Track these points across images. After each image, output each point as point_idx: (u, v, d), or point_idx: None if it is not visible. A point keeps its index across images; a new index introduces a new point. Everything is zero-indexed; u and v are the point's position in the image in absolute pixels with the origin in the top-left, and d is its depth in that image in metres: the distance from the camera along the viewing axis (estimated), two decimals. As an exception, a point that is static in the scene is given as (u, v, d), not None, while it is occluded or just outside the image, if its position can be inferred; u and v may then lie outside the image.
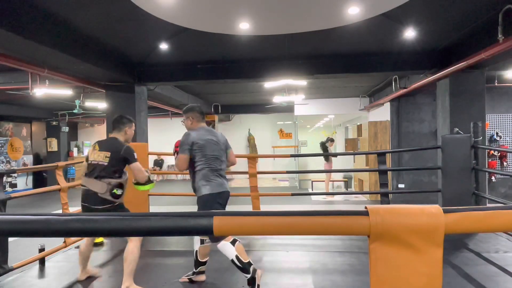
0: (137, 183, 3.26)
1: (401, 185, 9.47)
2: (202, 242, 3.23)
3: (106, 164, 3.06)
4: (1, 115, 12.25)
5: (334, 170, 9.65)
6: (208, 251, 3.30)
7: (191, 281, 3.37)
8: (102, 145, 3.19)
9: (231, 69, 6.80)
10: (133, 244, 3.12)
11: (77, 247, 4.52)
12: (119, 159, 3.10)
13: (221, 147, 3.28)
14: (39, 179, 13.60)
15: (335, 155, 11.37)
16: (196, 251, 3.28)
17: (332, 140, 11.19)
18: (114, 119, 3.36)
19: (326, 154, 10.24)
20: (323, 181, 10.64)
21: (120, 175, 3.12)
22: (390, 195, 6.01)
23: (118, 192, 3.07)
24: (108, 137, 3.39)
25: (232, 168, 15.92)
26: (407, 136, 9.52)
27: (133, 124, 3.43)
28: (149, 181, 3.25)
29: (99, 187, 3.03)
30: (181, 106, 11.31)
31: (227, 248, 3.01)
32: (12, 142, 12.86)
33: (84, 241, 3.44)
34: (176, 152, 3.23)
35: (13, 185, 12.59)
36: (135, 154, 3.16)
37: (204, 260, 3.31)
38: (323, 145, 10.80)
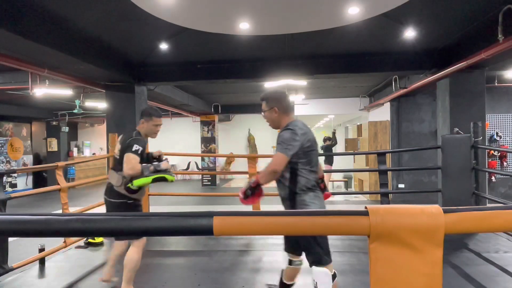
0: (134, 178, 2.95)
1: (401, 185, 9.47)
2: (290, 263, 2.72)
3: (118, 157, 3.02)
4: (1, 115, 12.25)
5: (334, 170, 9.65)
6: (297, 273, 2.76)
7: None
8: (120, 137, 3.12)
9: (231, 69, 6.80)
10: (134, 250, 2.99)
11: (78, 247, 4.52)
12: (124, 151, 2.96)
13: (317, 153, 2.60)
14: (39, 179, 13.61)
15: (335, 154, 11.36)
16: (282, 270, 2.81)
17: (329, 139, 11.19)
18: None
19: (326, 154, 10.25)
20: (323, 181, 10.61)
21: None
22: (390, 195, 6.01)
23: (133, 187, 2.93)
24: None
25: (232, 168, 15.97)
26: (407, 136, 9.52)
27: (153, 118, 3.09)
28: (144, 174, 2.91)
29: (115, 179, 3.00)
30: (181, 106, 11.32)
31: (325, 279, 2.37)
32: (12, 142, 12.86)
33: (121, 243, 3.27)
34: (248, 187, 2.48)
35: (13, 185, 12.58)
36: (135, 145, 2.89)
37: (289, 283, 2.79)
38: (327, 148, 10.83)
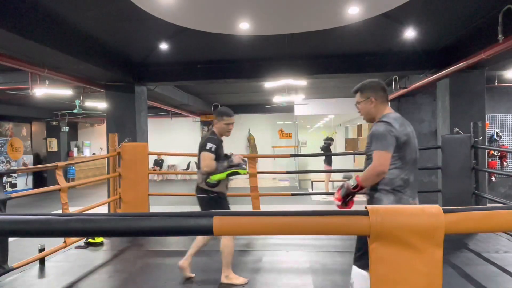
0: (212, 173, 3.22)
1: (401, 185, 9.45)
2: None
3: (198, 157, 3.30)
4: (1, 115, 12.25)
5: (334, 170, 9.64)
6: None
7: None
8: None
9: (231, 69, 6.80)
10: (227, 238, 3.23)
11: (78, 247, 4.52)
12: (200, 150, 3.26)
13: (417, 148, 2.33)
14: (39, 179, 13.61)
15: (334, 154, 11.37)
16: None
17: (331, 139, 11.22)
18: None
19: (327, 154, 10.25)
20: (323, 181, 10.64)
21: None
22: (390, 195, 5.99)
23: (211, 181, 3.18)
24: None
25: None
26: (407, 136, 9.51)
27: (224, 117, 3.35)
28: (218, 170, 3.17)
29: (199, 177, 3.29)
30: (181, 106, 11.32)
31: (363, 282, 2.24)
32: (12, 142, 12.86)
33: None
34: (346, 191, 2.32)
35: (13, 185, 12.58)
36: (208, 144, 3.19)
37: None
38: (327, 148, 10.84)
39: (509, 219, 1.09)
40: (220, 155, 3.26)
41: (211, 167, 3.14)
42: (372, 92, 2.34)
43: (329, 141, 10.96)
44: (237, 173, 3.21)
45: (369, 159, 2.26)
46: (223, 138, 3.46)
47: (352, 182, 2.29)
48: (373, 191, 2.26)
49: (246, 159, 3.41)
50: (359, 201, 8.58)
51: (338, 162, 11.37)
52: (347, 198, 2.33)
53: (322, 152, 10.64)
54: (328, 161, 10.53)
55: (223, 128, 3.36)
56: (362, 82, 2.46)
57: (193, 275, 3.50)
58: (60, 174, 4.23)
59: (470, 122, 5.30)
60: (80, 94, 8.21)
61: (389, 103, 2.39)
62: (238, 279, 3.29)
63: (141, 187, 5.33)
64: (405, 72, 7.15)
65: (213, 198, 3.23)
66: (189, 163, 16.32)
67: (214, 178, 3.16)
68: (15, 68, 5.46)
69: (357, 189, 2.26)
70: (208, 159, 3.16)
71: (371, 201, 2.29)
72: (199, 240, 3.45)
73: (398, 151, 2.18)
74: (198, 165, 3.32)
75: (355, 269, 2.31)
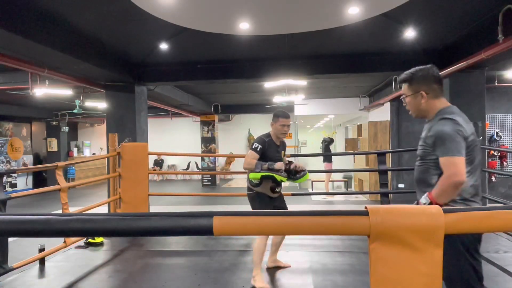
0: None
1: (401, 185, 9.47)
2: None
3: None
4: (1, 115, 12.25)
5: (334, 170, 9.65)
6: None
7: None
8: None
9: (231, 69, 6.80)
10: (259, 237, 3.30)
11: (78, 247, 4.52)
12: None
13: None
14: (39, 179, 13.61)
15: (334, 154, 11.38)
16: None
17: (332, 140, 11.25)
18: None
19: (327, 154, 10.25)
20: (323, 181, 10.64)
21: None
22: (390, 195, 6.00)
23: (253, 180, 3.26)
24: None
25: (232, 168, 15.97)
26: (407, 136, 9.52)
27: (279, 118, 3.35)
28: (255, 170, 3.20)
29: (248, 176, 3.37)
30: (181, 106, 11.32)
31: None
32: (12, 142, 12.86)
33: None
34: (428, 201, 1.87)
35: (13, 185, 12.59)
36: (255, 144, 3.26)
37: None
38: (327, 147, 10.84)
39: (509, 219, 1.09)
40: (268, 157, 3.28)
41: (250, 165, 3.21)
42: (424, 84, 1.95)
43: (326, 143, 10.97)
44: (273, 177, 3.21)
45: (422, 165, 1.95)
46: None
47: (424, 201, 1.88)
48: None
49: (302, 168, 3.36)
50: (360, 201, 8.55)
51: (338, 162, 11.38)
52: None
53: (322, 151, 10.65)
54: (329, 160, 10.54)
55: (278, 130, 3.38)
56: (411, 70, 2.05)
57: (288, 264, 3.70)
58: (60, 174, 4.23)
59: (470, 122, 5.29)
60: (80, 94, 8.21)
61: (443, 96, 1.99)
62: (261, 283, 3.23)
63: (141, 187, 5.32)
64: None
65: (253, 195, 3.34)
66: (189, 163, 16.32)
67: (251, 176, 3.23)
68: (15, 68, 5.46)
69: (428, 195, 1.88)
70: (250, 157, 3.23)
71: None
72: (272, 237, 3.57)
73: (467, 154, 1.81)
74: None
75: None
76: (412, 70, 2.04)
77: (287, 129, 3.40)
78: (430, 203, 1.82)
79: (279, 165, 3.24)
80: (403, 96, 2.07)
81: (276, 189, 3.36)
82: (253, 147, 3.26)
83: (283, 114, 3.40)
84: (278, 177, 3.20)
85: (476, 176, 1.89)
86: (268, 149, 3.29)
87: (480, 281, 1.84)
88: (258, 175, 3.19)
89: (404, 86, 2.05)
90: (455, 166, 1.77)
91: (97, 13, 4.64)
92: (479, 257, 1.86)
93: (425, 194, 1.88)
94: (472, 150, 1.84)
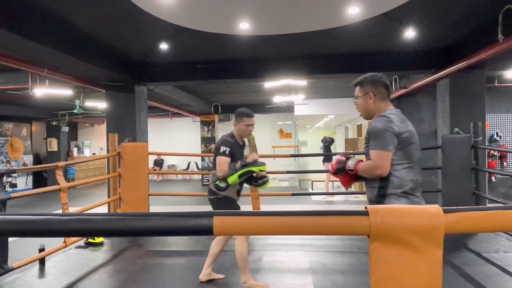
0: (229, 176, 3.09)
1: (401, 185, 9.45)
2: None
3: (214, 157, 3.23)
4: (1, 115, 12.25)
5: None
6: None
7: None
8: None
9: (231, 69, 6.80)
10: (238, 241, 3.15)
11: (78, 247, 4.52)
12: (215, 154, 3.16)
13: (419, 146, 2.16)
14: (39, 179, 13.61)
15: (334, 154, 11.37)
16: None
17: (332, 141, 11.25)
18: None
19: (327, 154, 10.25)
20: (323, 181, 10.64)
21: None
22: (390, 195, 5.98)
23: (221, 184, 3.11)
24: None
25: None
26: (407, 136, 9.51)
27: (244, 118, 3.18)
28: (230, 173, 3.03)
29: (210, 178, 3.26)
30: (181, 106, 11.32)
31: None
32: (12, 142, 12.86)
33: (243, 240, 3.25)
34: (342, 164, 2.21)
35: (13, 185, 12.59)
36: (222, 147, 3.08)
37: None
38: (327, 148, 10.84)
39: (509, 219, 1.09)
40: (236, 158, 3.14)
41: (224, 170, 3.03)
42: (373, 87, 2.14)
43: (327, 143, 10.97)
44: (251, 172, 3.03)
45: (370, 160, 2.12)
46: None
47: (350, 164, 2.16)
48: (382, 197, 2.05)
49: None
50: (360, 201, 8.57)
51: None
52: (340, 172, 2.21)
53: (323, 151, 10.65)
54: (329, 160, 10.54)
55: (243, 130, 3.21)
56: (364, 75, 2.26)
57: (222, 275, 3.46)
58: (60, 174, 4.23)
59: (470, 122, 5.30)
60: (80, 94, 8.20)
61: (390, 100, 2.21)
62: (256, 285, 3.14)
63: (141, 187, 5.33)
64: (405, 72, 7.15)
65: (219, 200, 3.18)
66: (189, 163, 16.32)
67: (229, 180, 3.03)
68: (15, 68, 5.46)
69: (352, 173, 2.14)
70: (222, 163, 3.05)
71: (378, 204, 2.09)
72: (213, 248, 3.39)
73: (404, 149, 2.00)
74: (213, 165, 3.23)
75: None
76: (365, 75, 2.25)
77: (251, 129, 3.24)
78: (352, 170, 2.12)
79: (250, 157, 3.11)
80: (354, 97, 2.26)
81: (240, 193, 3.30)
82: (221, 151, 3.08)
83: (247, 113, 3.21)
84: (256, 169, 3.04)
85: (415, 171, 2.06)
86: (235, 151, 3.15)
87: None
88: (236, 176, 3.01)
89: (356, 89, 2.24)
90: (378, 159, 1.98)
91: (97, 13, 4.64)
92: None
93: (354, 161, 2.15)
94: (407, 146, 2.01)
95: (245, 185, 3.30)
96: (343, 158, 2.23)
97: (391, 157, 1.98)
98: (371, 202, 2.16)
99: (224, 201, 3.17)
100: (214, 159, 3.18)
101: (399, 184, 2.00)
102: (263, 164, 3.08)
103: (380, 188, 2.05)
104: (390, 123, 1.99)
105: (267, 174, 3.22)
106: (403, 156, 2.00)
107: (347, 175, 2.21)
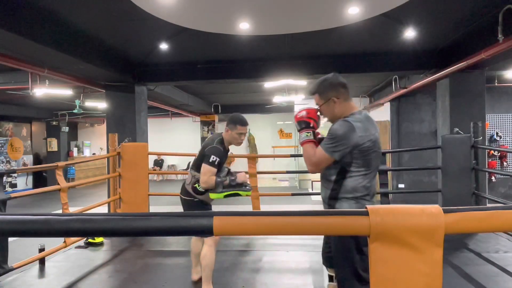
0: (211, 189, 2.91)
1: (401, 185, 9.47)
2: (331, 279, 2.55)
3: (196, 157, 3.08)
4: (1, 115, 12.25)
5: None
6: None
7: None
8: (207, 137, 3.21)
9: (231, 69, 6.80)
10: (206, 248, 3.01)
11: (78, 247, 4.52)
12: (202, 156, 2.95)
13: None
14: (39, 179, 13.60)
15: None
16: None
17: None
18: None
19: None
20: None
21: None
22: (390, 195, 6.00)
23: (201, 189, 2.94)
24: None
25: (232, 168, 15.95)
26: (407, 136, 9.52)
27: (237, 126, 2.97)
28: (217, 190, 2.83)
29: (188, 177, 3.12)
30: (181, 106, 11.32)
31: None
32: (12, 142, 12.86)
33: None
34: (302, 126, 2.18)
35: (13, 185, 12.58)
36: (213, 156, 2.84)
37: None
38: None
39: (509, 219, 1.09)
40: (222, 166, 2.97)
41: (210, 184, 2.82)
42: (333, 90, 2.09)
43: None
44: (238, 195, 2.86)
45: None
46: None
47: (303, 137, 2.13)
48: (333, 200, 2.08)
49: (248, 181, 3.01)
50: (359, 201, 8.32)
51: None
52: (300, 127, 2.17)
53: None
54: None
55: (234, 138, 3.01)
56: (316, 81, 2.20)
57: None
58: (60, 174, 4.23)
59: (470, 122, 5.30)
60: (80, 94, 8.21)
61: (352, 99, 2.18)
62: None
63: (141, 187, 5.33)
64: (405, 72, 7.15)
65: (194, 202, 3.05)
66: (189, 163, 16.28)
67: (212, 196, 2.86)
68: (15, 68, 5.46)
69: (309, 130, 2.12)
70: (209, 173, 2.82)
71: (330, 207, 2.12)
72: (194, 248, 3.33)
73: (364, 158, 1.99)
74: (194, 165, 3.06)
75: None
76: (318, 81, 2.19)
77: (243, 138, 3.06)
78: (311, 131, 2.12)
79: (241, 177, 2.89)
80: (317, 105, 2.19)
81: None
82: (211, 160, 2.82)
83: (242, 121, 2.99)
84: (243, 193, 2.86)
85: (370, 178, 2.06)
86: (222, 159, 2.93)
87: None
88: (222, 196, 2.81)
89: (315, 97, 2.18)
90: (321, 159, 2.01)
91: (97, 13, 4.64)
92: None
93: (309, 135, 2.12)
94: (368, 155, 2.00)
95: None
96: (306, 121, 2.15)
97: (331, 162, 2.01)
98: (324, 201, 2.20)
99: (199, 204, 3.04)
100: (198, 160, 2.99)
101: (351, 190, 2.03)
102: (250, 190, 2.90)
103: (333, 190, 2.07)
104: (352, 133, 1.95)
105: (249, 184, 3.01)
106: (362, 164, 2.00)
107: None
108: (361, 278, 1.98)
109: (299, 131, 2.18)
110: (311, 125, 2.15)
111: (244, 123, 3.00)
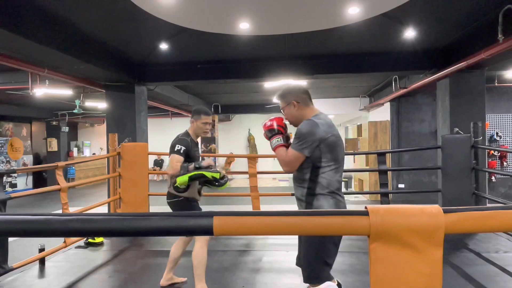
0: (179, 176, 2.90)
1: (401, 185, 9.47)
2: None
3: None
4: (1, 115, 12.25)
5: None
6: None
7: None
8: None
9: (231, 69, 6.80)
10: (198, 246, 3.00)
11: (78, 247, 4.52)
12: (170, 153, 3.00)
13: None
14: (39, 179, 13.61)
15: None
16: None
17: None
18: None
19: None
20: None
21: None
22: (390, 195, 6.01)
23: (181, 186, 2.91)
24: None
25: (232, 168, 15.96)
26: (407, 136, 9.52)
27: (201, 116, 3.06)
28: (181, 172, 2.86)
29: (168, 181, 3.09)
30: (181, 106, 11.32)
31: None
32: (12, 142, 12.86)
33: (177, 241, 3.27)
34: (272, 134, 2.35)
35: (13, 185, 12.58)
36: (177, 146, 2.93)
37: None
38: None
39: (509, 219, 1.09)
40: (191, 158, 3.00)
41: (175, 169, 2.86)
42: (293, 95, 2.30)
43: None
44: (203, 176, 2.84)
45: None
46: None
47: (274, 142, 2.29)
48: (311, 196, 2.15)
49: (214, 163, 3.00)
50: (360, 201, 8.55)
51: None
52: (271, 134, 2.33)
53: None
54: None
55: (200, 128, 3.08)
56: (283, 87, 2.49)
57: (184, 278, 3.41)
58: (60, 174, 4.23)
59: (470, 122, 5.30)
60: (80, 94, 8.21)
61: (313, 104, 2.35)
62: None
63: (141, 187, 5.33)
64: (405, 72, 7.15)
65: (179, 202, 3.02)
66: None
67: (179, 180, 2.85)
68: (15, 68, 5.46)
69: (278, 136, 2.29)
70: (174, 161, 2.88)
71: (309, 208, 2.17)
72: (174, 253, 3.30)
73: (331, 152, 2.12)
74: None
75: None
76: (282, 88, 2.43)
77: (208, 127, 3.12)
78: (278, 136, 2.28)
79: (206, 161, 2.95)
80: (281, 109, 2.38)
81: (201, 192, 3.15)
82: (176, 149, 2.92)
83: (205, 111, 3.10)
84: (209, 174, 2.84)
85: (340, 172, 2.20)
86: (191, 150, 3.00)
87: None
88: (186, 177, 2.82)
89: (280, 102, 2.38)
90: (293, 159, 2.13)
91: (97, 13, 4.64)
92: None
93: (280, 140, 2.27)
94: (335, 149, 2.14)
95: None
96: (275, 129, 2.32)
97: (303, 159, 2.12)
98: (299, 200, 2.27)
99: (184, 203, 3.01)
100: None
101: (326, 185, 2.13)
102: (216, 171, 2.88)
103: (309, 189, 2.17)
104: (316, 128, 2.10)
105: (227, 175, 3.03)
106: (331, 158, 2.12)
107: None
108: (327, 263, 2.13)
109: (269, 139, 2.34)
110: (280, 132, 2.31)
111: (207, 113, 3.11)
